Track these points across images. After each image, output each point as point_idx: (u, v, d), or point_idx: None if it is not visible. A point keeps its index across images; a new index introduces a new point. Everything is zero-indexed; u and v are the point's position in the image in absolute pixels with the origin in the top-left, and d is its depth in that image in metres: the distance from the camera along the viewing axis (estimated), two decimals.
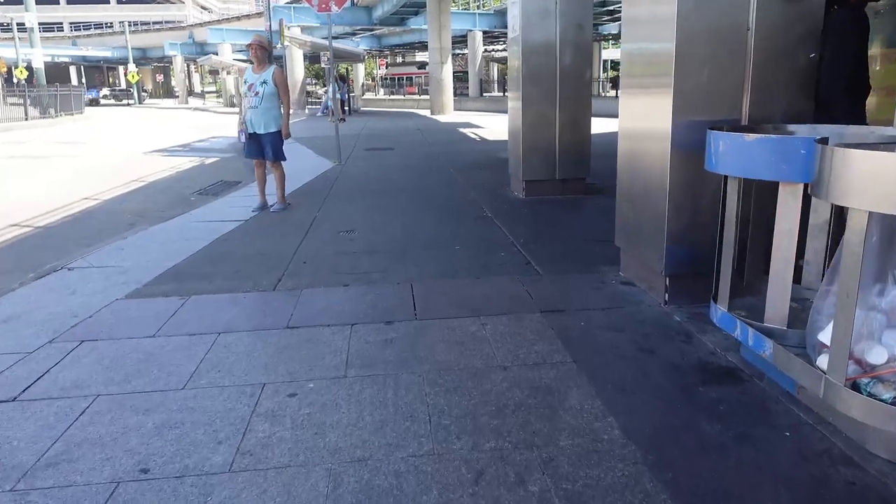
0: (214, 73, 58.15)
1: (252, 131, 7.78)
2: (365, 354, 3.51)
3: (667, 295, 4.21)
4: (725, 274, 3.24)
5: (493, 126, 22.42)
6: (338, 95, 25.07)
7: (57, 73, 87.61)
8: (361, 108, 38.47)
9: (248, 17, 57.10)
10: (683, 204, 4.02)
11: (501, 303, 4.31)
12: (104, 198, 10.04)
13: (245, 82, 7.85)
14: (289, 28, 40.61)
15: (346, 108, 33.15)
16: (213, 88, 75.45)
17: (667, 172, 3.98)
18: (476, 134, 19.07)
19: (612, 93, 46.77)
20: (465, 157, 13.14)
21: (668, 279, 4.18)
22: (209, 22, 60.79)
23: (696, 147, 3.79)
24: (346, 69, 36.37)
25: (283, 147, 8.13)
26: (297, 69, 43.08)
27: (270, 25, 27.72)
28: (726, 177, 3.23)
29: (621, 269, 4.99)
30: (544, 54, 8.06)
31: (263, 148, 7.88)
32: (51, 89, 33.55)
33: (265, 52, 7.81)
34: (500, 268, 5.18)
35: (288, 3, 54.60)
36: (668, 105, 3.91)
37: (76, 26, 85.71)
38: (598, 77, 47.23)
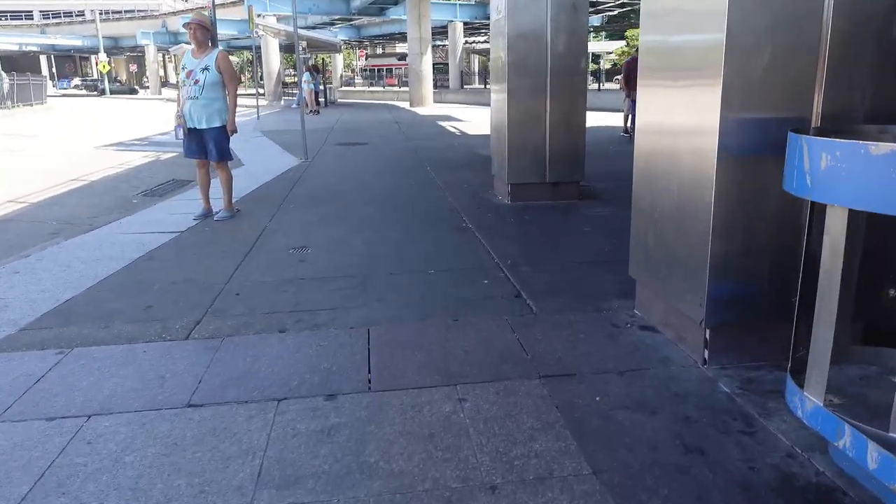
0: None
1: (192, 126, 6.60)
2: (288, 460, 2.40)
3: (706, 352, 3.14)
4: (821, 347, 2.17)
5: (474, 119, 21.31)
6: (311, 86, 23.84)
7: (27, 62, 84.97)
8: (338, 100, 37.16)
9: (222, 5, 55.30)
10: (734, 227, 2.95)
11: (486, 362, 3.21)
12: (33, 200, 8.81)
13: (183, 68, 6.67)
14: (262, 16, 39.20)
15: (322, 99, 31.87)
16: None
17: (712, 181, 2.90)
18: (456, 128, 17.95)
19: (595, 86, 45.86)
20: (443, 154, 12.02)
21: (708, 331, 3.11)
22: (183, 10, 58.91)
23: (751, 150, 2.74)
24: (323, 59, 34.99)
25: (231, 144, 6.97)
26: (272, 59, 41.62)
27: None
28: (815, 202, 2.17)
29: (637, 305, 3.91)
30: (534, 40, 6.97)
31: (206, 146, 6.71)
32: (9, 78, 31.83)
33: (206, 34, 6.62)
34: (484, 303, 4.08)
35: None
36: (716, 93, 2.83)
37: (46, 14, 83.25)
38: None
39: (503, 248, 5.36)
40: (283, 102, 35.40)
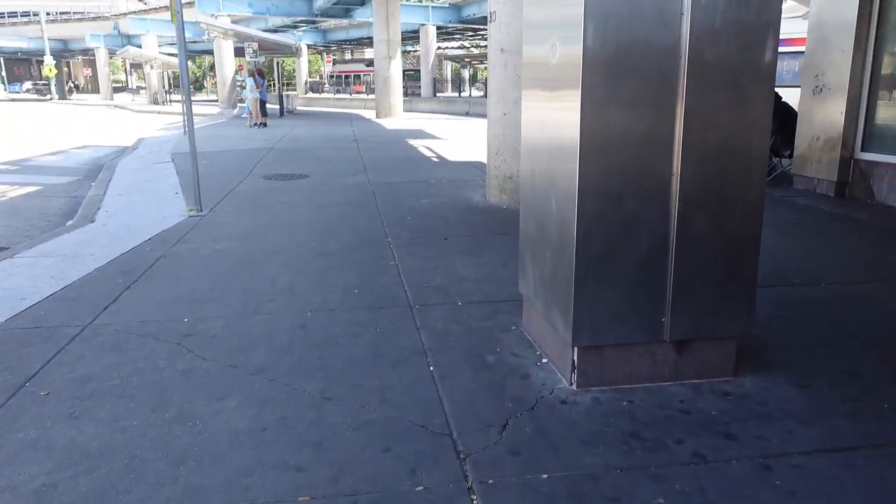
0: (138, 66, 51.14)
1: None
2: None
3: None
4: None
5: (453, 136, 16.99)
6: (255, 94, 19.36)
7: None
8: (298, 109, 32.57)
9: None
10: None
11: None
12: None
13: None
14: (216, 16, 34.52)
15: (281, 108, 27.31)
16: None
17: None
18: (431, 149, 13.60)
19: None
20: (416, 204, 7.66)
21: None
22: (134, 11, 53.70)
23: None
24: (276, 62, 30.44)
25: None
26: (226, 63, 36.98)
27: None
28: None
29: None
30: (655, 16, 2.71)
31: None
32: None
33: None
34: None
35: None
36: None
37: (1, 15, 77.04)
38: None
39: None
40: (235, 110, 30.76)
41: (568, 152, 2.81)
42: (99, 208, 7.60)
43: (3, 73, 74.20)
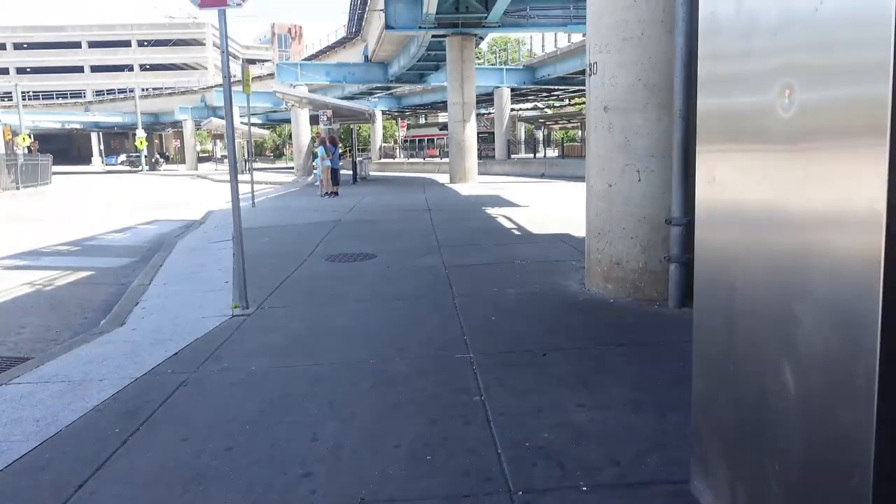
0: (220, 136, 52.80)
1: None
2: None
3: None
4: None
5: (532, 202, 15.70)
6: (326, 163, 18.71)
7: (81, 140, 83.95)
8: (371, 175, 32.17)
9: (259, 78, 52.02)
10: None
11: None
12: None
13: None
14: (294, 86, 34.98)
15: (354, 174, 26.85)
16: None
17: None
18: (512, 219, 12.32)
19: None
20: (499, 295, 6.30)
21: None
22: (219, 84, 55.74)
23: None
24: (350, 129, 30.22)
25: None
26: (302, 131, 37.31)
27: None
28: None
29: None
30: None
31: None
32: (9, 160, 27.75)
33: None
34: None
35: (305, 59, 49.53)
36: None
37: (100, 93, 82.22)
38: None
39: None
40: (310, 178, 30.63)
41: (851, 263, 1.42)
42: (137, 303, 6.60)
43: (101, 147, 78.63)
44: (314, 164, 22.00)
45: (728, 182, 1.94)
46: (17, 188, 25.52)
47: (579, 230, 10.41)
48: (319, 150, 19.45)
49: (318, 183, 20.68)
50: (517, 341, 4.74)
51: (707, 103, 2.07)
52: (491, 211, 13.86)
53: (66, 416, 3.67)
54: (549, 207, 14.37)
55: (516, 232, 10.73)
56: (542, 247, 9.03)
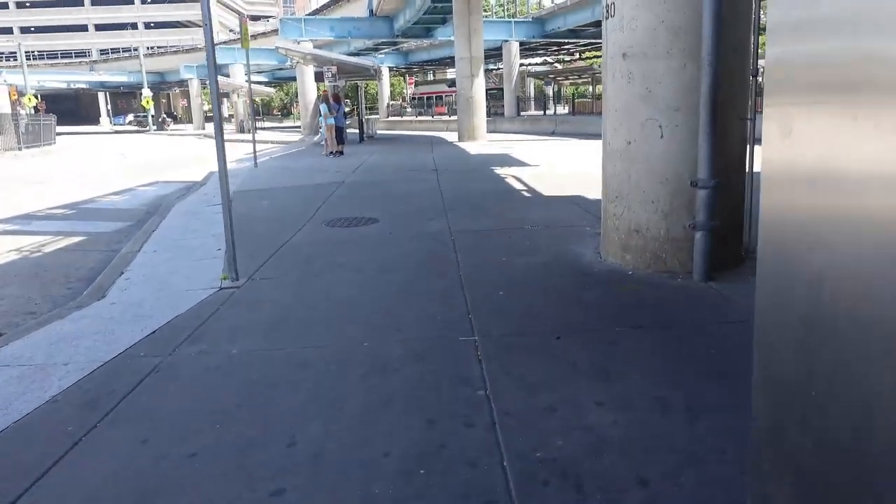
0: (226, 95, 51.90)
1: None
2: None
3: None
4: None
5: (543, 161, 15.08)
6: (329, 121, 18.09)
7: (88, 100, 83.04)
8: (378, 133, 31.44)
9: (264, 34, 50.89)
10: None
11: None
12: None
13: None
14: (298, 42, 34.01)
15: (360, 133, 26.17)
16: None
17: None
18: (521, 180, 11.75)
19: None
20: (508, 264, 5.81)
21: None
22: (224, 42, 54.59)
23: None
24: (357, 86, 29.41)
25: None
26: (308, 89, 36.40)
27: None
28: None
29: None
30: None
31: None
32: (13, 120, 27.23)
33: None
34: None
35: (309, 14, 48.27)
36: None
37: (104, 52, 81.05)
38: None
39: None
40: (317, 137, 29.95)
41: None
42: (121, 273, 6.16)
43: (109, 107, 77.83)
44: (320, 122, 21.36)
45: (815, 138, 1.42)
46: (20, 149, 25.03)
47: (593, 192, 9.86)
48: (322, 108, 18.79)
49: (323, 142, 20.08)
50: (527, 321, 4.26)
51: (783, 51, 1.53)
52: (500, 171, 13.28)
53: (17, 409, 3.26)
54: (560, 167, 13.77)
55: (526, 194, 10.18)
56: (553, 210, 8.50)
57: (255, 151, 16.13)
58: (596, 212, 8.02)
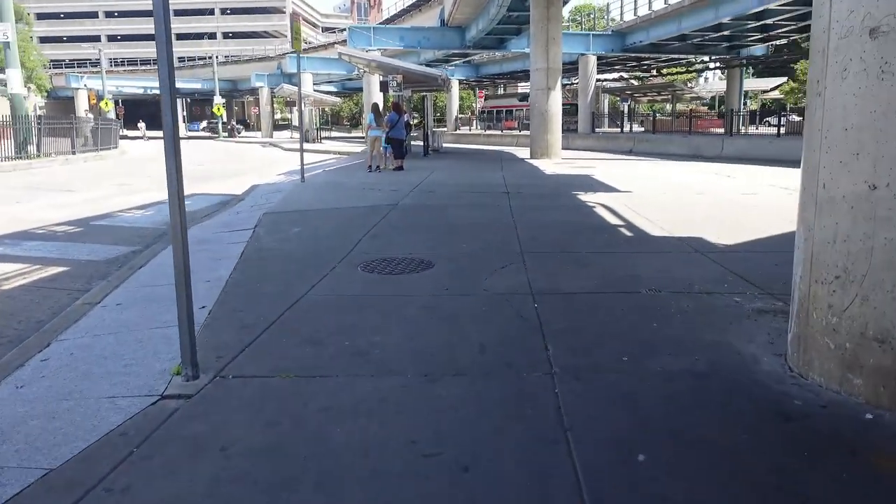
0: (293, 104, 51.09)
1: None
2: None
3: None
4: None
5: (634, 186, 12.58)
6: (374, 132, 16.12)
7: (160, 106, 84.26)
8: (444, 147, 29.41)
9: (333, 45, 49.88)
10: None
11: None
12: None
13: None
14: (367, 51, 32.45)
15: (425, 147, 24.17)
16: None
17: None
18: (614, 211, 9.36)
19: (752, 128, 35.69)
20: (635, 376, 3.50)
21: None
22: (293, 51, 53.92)
23: None
24: (424, 98, 27.53)
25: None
26: (374, 98, 34.68)
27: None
28: None
29: None
30: None
31: None
32: (72, 122, 26.41)
33: None
34: None
35: (380, 24, 46.99)
36: None
37: (182, 59, 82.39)
38: (739, 110, 36.10)
39: None
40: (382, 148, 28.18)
41: None
42: (45, 347, 4.15)
43: (185, 113, 78.81)
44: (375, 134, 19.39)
45: None
46: (73, 153, 24.04)
47: (709, 232, 7.43)
48: (368, 118, 16.77)
49: (387, 154, 17.96)
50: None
51: None
52: (584, 197, 10.91)
53: None
54: (654, 194, 11.30)
55: (626, 232, 7.80)
56: (673, 261, 6.11)
57: (302, 164, 14.24)
58: (736, 268, 5.60)
